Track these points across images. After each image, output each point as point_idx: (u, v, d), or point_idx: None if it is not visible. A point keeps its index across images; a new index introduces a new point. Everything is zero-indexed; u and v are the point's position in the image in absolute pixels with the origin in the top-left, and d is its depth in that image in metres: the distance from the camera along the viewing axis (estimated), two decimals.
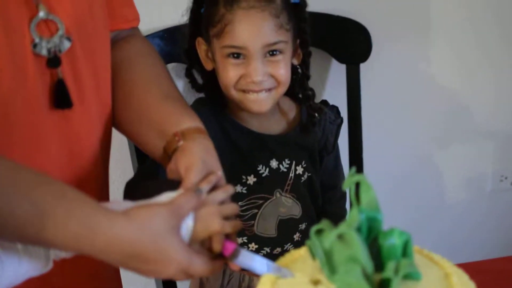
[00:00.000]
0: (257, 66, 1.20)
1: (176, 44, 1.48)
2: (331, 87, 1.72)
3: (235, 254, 0.92)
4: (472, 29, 1.81)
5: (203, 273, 0.91)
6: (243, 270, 0.92)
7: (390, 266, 0.78)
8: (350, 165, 1.57)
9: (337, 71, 1.68)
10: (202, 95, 1.37)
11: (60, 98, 0.98)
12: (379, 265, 0.81)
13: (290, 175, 1.31)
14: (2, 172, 0.84)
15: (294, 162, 1.32)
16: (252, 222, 1.30)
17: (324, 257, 0.82)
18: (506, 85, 1.90)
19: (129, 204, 0.93)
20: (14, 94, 0.93)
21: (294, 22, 1.25)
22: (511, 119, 1.94)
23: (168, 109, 1.08)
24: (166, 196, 0.93)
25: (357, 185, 0.85)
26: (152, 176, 1.15)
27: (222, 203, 0.97)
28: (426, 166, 1.91)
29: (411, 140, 1.87)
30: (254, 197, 1.30)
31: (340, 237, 0.79)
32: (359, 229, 0.80)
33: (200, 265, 0.90)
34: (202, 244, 0.93)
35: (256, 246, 1.31)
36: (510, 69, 1.88)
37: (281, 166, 1.31)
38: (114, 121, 1.15)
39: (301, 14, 1.27)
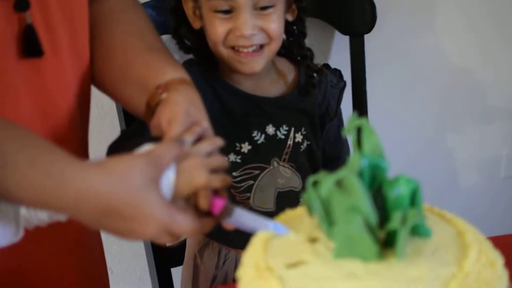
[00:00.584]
0: (246, 19, 1.12)
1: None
2: (335, 59, 1.63)
3: (226, 212, 0.82)
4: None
5: (189, 231, 0.81)
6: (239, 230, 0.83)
7: (396, 217, 0.69)
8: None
9: (341, 43, 1.59)
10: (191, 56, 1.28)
11: (29, 45, 0.90)
12: (384, 218, 0.72)
13: (289, 142, 1.22)
14: None
15: (293, 129, 1.22)
16: (248, 194, 1.21)
17: (322, 210, 0.73)
18: None
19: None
20: None
21: None
22: None
23: (151, 62, 1.00)
24: (146, 149, 0.85)
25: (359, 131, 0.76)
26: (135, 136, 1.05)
27: (208, 156, 0.88)
28: (436, 147, 1.82)
29: (419, 118, 1.78)
30: (250, 167, 1.21)
31: (340, 185, 0.70)
32: (361, 176, 0.71)
33: (184, 222, 0.80)
34: (188, 201, 0.84)
35: None
36: None
37: (278, 132, 1.21)
38: (96, 81, 1.07)
39: None
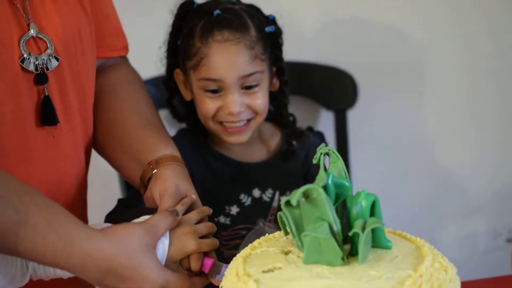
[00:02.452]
0: (234, 98, 1.22)
1: None
2: None
3: (214, 270, 0.95)
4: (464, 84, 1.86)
5: None
6: None
7: (357, 224, 0.79)
8: None
9: (325, 119, 1.72)
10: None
11: (47, 115, 1.02)
12: (348, 229, 0.82)
13: (274, 205, 1.31)
14: None
15: (278, 192, 1.32)
16: (236, 252, 1.29)
17: (294, 224, 0.83)
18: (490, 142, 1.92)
19: (107, 225, 0.96)
20: (3, 107, 0.98)
21: (270, 51, 1.27)
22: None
23: (146, 138, 1.13)
24: (143, 218, 0.96)
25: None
26: (131, 206, 1.17)
27: (199, 223, 1.00)
28: (418, 223, 1.90)
29: (402, 195, 1.87)
30: (238, 228, 1.30)
31: (309, 200, 0.81)
32: (326, 191, 0.81)
33: (177, 283, 0.92)
34: (181, 264, 0.95)
35: None
36: (496, 125, 1.91)
37: (263, 195, 1.31)
38: (98, 147, 1.19)
39: (276, 42, 1.29)
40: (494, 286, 1.20)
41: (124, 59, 1.26)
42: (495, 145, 1.92)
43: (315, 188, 0.79)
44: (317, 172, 1.32)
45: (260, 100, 1.25)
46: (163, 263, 0.93)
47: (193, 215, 1.01)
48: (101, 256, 0.87)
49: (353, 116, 1.70)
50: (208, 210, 1.04)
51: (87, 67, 1.12)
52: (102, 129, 1.17)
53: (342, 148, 1.67)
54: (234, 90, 1.22)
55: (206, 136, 1.34)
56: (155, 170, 1.07)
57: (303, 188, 0.79)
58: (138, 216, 0.99)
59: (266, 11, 1.30)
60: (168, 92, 1.34)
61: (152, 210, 1.02)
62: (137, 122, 1.15)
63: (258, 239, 0.91)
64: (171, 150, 1.11)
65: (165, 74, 1.33)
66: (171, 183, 1.04)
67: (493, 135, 1.92)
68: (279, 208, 1.30)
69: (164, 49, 1.31)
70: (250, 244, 0.90)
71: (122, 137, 1.14)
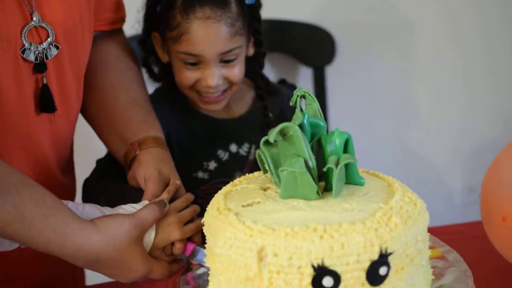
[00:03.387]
0: (212, 72, 1.25)
1: None
2: None
3: (194, 254, 1.01)
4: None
5: (162, 276, 0.99)
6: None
7: (331, 159, 0.84)
8: None
9: (304, 75, 1.77)
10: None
11: (45, 103, 1.06)
12: (323, 165, 0.86)
13: (250, 158, 1.36)
14: None
15: (254, 146, 1.36)
16: None
17: (271, 162, 0.88)
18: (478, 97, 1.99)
19: (94, 210, 1.01)
20: (6, 96, 1.01)
21: (249, 23, 1.30)
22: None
23: (130, 118, 1.17)
24: (131, 207, 1.01)
25: None
26: (109, 175, 1.22)
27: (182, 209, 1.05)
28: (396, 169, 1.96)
29: (378, 149, 1.93)
30: (216, 182, 1.34)
31: (286, 138, 0.85)
32: (302, 129, 0.86)
33: (159, 270, 0.98)
34: (164, 250, 1.01)
35: None
36: (482, 81, 1.97)
37: (240, 150, 1.36)
38: (87, 118, 1.23)
39: (256, 15, 1.32)
40: (463, 229, 1.27)
41: (118, 30, 1.27)
42: (465, 107, 1.99)
43: (291, 126, 0.84)
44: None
45: (237, 71, 1.28)
46: (148, 250, 0.99)
47: (178, 204, 1.05)
48: (91, 249, 0.93)
49: (331, 72, 1.74)
50: (191, 197, 1.08)
51: (86, 51, 1.14)
52: (91, 104, 1.20)
53: (321, 103, 1.70)
54: (213, 64, 1.25)
55: (181, 94, 1.37)
56: (138, 152, 1.12)
57: (280, 126, 0.84)
58: (122, 197, 1.05)
59: None
60: (145, 52, 1.35)
61: (135, 190, 1.09)
62: (124, 101, 1.19)
63: (238, 178, 0.96)
64: (155, 131, 1.16)
65: (141, 34, 1.35)
66: (154, 168, 1.09)
67: (460, 97, 1.98)
68: (254, 161, 1.35)
69: (142, 12, 1.32)
70: (230, 182, 0.94)
71: (110, 115, 1.19)
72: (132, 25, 1.34)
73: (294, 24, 1.72)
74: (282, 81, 1.45)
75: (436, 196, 2.03)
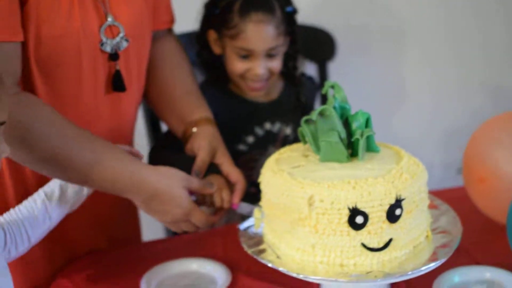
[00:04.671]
0: (260, 63, 1.54)
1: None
2: None
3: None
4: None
5: (201, 222, 1.28)
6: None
7: (357, 132, 1.14)
8: None
9: (310, 68, 2.06)
10: None
11: (117, 84, 1.33)
12: (350, 137, 1.16)
13: (281, 134, 1.65)
14: (72, 131, 1.20)
15: (284, 125, 1.65)
16: (251, 172, 1.63)
17: (311, 135, 1.18)
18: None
19: None
20: (85, 78, 1.28)
21: (289, 26, 1.58)
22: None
23: (187, 103, 1.47)
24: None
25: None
26: (170, 146, 1.52)
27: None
28: None
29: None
30: (253, 153, 1.63)
31: (323, 117, 1.15)
32: (335, 110, 1.16)
33: (198, 215, 1.28)
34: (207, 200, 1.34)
35: (255, 189, 1.63)
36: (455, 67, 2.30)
37: (273, 128, 1.64)
38: (149, 103, 1.52)
39: (293, 19, 1.61)
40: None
41: (170, 30, 1.54)
42: (458, 102, 2.32)
43: (328, 107, 1.13)
44: (311, 109, 1.67)
45: (277, 64, 1.58)
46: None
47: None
48: (150, 182, 1.23)
49: (333, 67, 2.04)
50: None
51: (147, 45, 1.41)
52: (153, 92, 1.49)
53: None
54: (260, 57, 1.54)
55: (228, 81, 1.65)
56: (194, 129, 1.42)
57: (319, 109, 1.13)
58: (180, 163, 1.34)
59: None
60: (200, 46, 1.64)
61: (189, 158, 1.39)
62: (181, 89, 1.48)
63: (283, 148, 1.25)
64: (206, 113, 1.46)
65: (198, 31, 1.63)
66: (206, 141, 1.39)
67: (453, 89, 2.30)
68: (285, 137, 1.64)
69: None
70: (277, 151, 1.24)
71: (169, 101, 1.48)
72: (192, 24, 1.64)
73: (301, 27, 2.00)
74: (302, 74, 1.75)
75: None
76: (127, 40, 1.32)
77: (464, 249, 1.26)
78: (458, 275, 1.19)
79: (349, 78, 2.16)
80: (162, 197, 1.24)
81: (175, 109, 1.46)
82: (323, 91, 1.22)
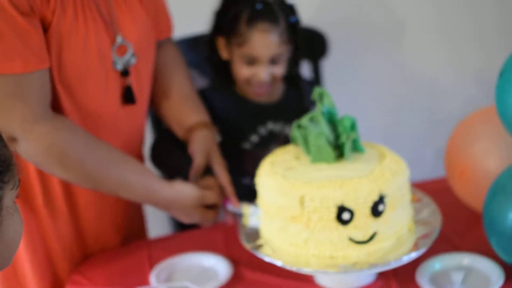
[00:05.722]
0: (264, 69, 1.65)
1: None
2: None
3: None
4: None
5: (212, 220, 1.48)
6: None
7: (343, 136, 1.26)
8: None
9: (304, 65, 2.17)
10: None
11: (128, 98, 1.44)
12: (337, 139, 1.28)
13: (282, 134, 1.77)
14: (101, 152, 1.35)
15: (285, 124, 1.76)
16: (255, 168, 1.73)
17: (302, 139, 1.29)
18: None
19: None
20: (101, 95, 1.40)
21: (292, 35, 1.69)
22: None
23: (184, 108, 1.59)
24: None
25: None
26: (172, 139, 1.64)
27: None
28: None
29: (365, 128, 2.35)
30: (257, 151, 1.73)
31: (312, 122, 1.26)
32: (323, 115, 1.27)
33: (209, 217, 1.46)
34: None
35: None
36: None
37: (275, 127, 1.76)
38: (153, 108, 1.64)
39: (296, 28, 1.71)
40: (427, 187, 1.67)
41: (169, 38, 1.65)
42: (453, 98, 2.43)
43: (317, 114, 1.25)
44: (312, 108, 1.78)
45: (280, 70, 1.69)
46: None
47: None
48: (167, 200, 1.42)
49: (327, 65, 2.14)
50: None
51: (152, 56, 1.52)
52: (156, 98, 1.61)
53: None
54: (265, 64, 1.65)
55: (234, 83, 1.75)
56: (192, 134, 1.55)
57: (309, 115, 1.25)
58: (179, 164, 1.53)
59: None
60: (209, 50, 1.74)
61: (189, 158, 1.53)
62: (178, 95, 1.60)
63: (277, 150, 1.37)
64: (202, 117, 1.58)
65: (208, 37, 1.73)
66: (202, 146, 1.53)
67: (447, 86, 2.41)
68: (285, 136, 1.75)
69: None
70: (271, 154, 1.35)
71: (170, 106, 1.60)
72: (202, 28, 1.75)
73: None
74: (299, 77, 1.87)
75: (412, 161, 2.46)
76: (135, 57, 1.42)
77: (446, 237, 1.37)
78: (439, 262, 1.30)
79: (344, 76, 2.28)
80: (177, 211, 1.46)
81: (173, 114, 1.59)
82: (313, 97, 1.33)
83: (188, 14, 1.86)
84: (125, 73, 1.42)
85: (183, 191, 1.43)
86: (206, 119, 1.59)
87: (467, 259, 1.30)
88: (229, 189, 1.50)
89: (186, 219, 1.46)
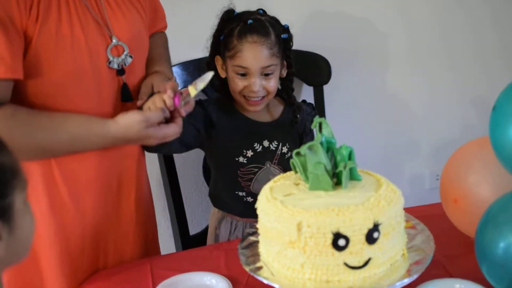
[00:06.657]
0: (256, 81, 1.74)
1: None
2: None
3: (182, 98, 1.51)
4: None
5: (175, 134, 1.51)
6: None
7: (341, 165, 1.31)
8: None
9: (307, 92, 2.23)
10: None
11: (125, 96, 1.53)
12: (335, 168, 1.33)
13: (278, 152, 1.83)
14: (44, 123, 1.40)
15: (281, 143, 1.83)
16: (249, 183, 1.81)
17: (301, 166, 1.34)
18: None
19: None
20: (96, 94, 1.47)
21: (283, 51, 1.79)
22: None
23: (153, 63, 1.69)
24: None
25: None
26: None
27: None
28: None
29: (366, 147, 2.41)
30: (251, 166, 1.81)
31: (311, 151, 1.31)
32: (321, 144, 1.32)
33: (171, 133, 1.50)
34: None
35: (252, 199, 1.82)
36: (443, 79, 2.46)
37: (271, 145, 1.82)
38: None
39: (288, 45, 1.81)
40: (429, 208, 1.72)
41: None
42: (450, 115, 2.50)
43: (315, 143, 1.30)
44: (310, 132, 1.84)
45: (272, 83, 1.77)
46: None
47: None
48: (119, 135, 1.46)
49: (328, 90, 2.20)
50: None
51: (145, 55, 1.62)
52: None
53: (320, 114, 2.17)
54: (256, 75, 1.74)
55: (232, 101, 1.84)
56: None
57: (308, 144, 1.30)
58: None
59: (256, 6, 1.79)
60: (209, 70, 1.81)
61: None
62: (151, 56, 1.69)
63: (277, 176, 1.42)
64: (159, 67, 1.67)
65: (208, 58, 1.83)
66: (148, 79, 1.61)
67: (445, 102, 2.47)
68: (281, 155, 1.82)
69: (209, 41, 1.82)
70: (272, 180, 1.41)
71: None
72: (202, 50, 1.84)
73: (299, 52, 2.17)
74: (303, 101, 1.93)
75: (410, 180, 2.51)
76: (131, 57, 1.51)
77: (439, 262, 1.42)
78: (432, 287, 1.35)
79: (343, 98, 2.33)
80: (135, 140, 1.49)
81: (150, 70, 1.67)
82: (312, 126, 1.38)
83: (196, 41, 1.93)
84: (120, 72, 1.50)
85: (126, 121, 1.45)
86: (161, 69, 1.67)
87: (458, 285, 1.35)
88: (171, 89, 1.51)
89: (149, 142, 1.50)
